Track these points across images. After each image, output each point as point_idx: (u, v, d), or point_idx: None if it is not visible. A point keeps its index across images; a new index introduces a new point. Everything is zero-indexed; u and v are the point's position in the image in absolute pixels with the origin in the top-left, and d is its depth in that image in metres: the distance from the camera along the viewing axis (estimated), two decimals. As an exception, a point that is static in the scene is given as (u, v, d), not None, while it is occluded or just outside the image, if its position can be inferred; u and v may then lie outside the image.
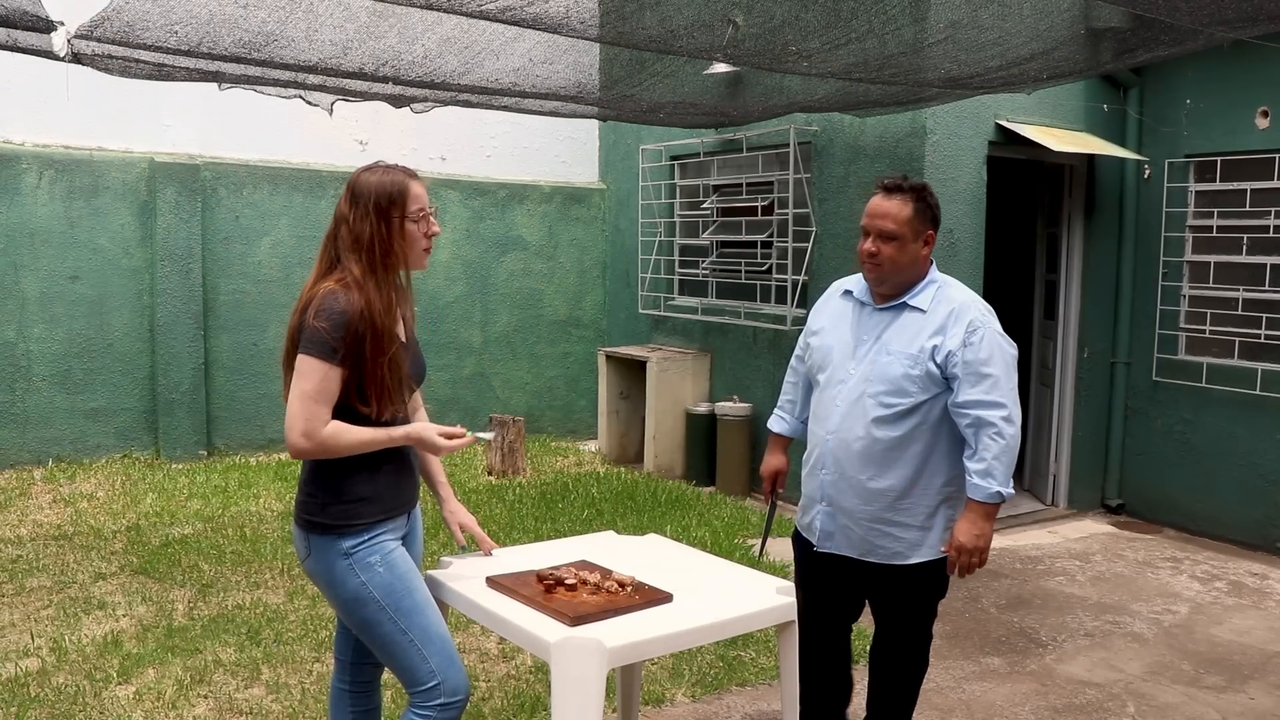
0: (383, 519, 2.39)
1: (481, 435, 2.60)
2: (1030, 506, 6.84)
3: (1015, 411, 2.78)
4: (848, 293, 3.04)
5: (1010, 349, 2.84)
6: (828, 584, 2.99)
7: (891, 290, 2.89)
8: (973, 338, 2.77)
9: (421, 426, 2.40)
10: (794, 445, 3.29)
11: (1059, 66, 4.43)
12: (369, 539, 2.35)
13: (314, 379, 2.26)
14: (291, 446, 2.29)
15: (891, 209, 2.82)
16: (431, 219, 2.44)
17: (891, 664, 3.10)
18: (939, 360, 2.78)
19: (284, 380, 2.40)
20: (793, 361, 3.28)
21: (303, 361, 2.27)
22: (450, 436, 2.39)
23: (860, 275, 2.98)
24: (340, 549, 2.33)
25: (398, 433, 2.37)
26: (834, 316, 3.04)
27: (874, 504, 2.88)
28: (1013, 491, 2.82)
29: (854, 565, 2.96)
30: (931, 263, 2.93)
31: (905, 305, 2.88)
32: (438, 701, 2.32)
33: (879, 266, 2.84)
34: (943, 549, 2.87)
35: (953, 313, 2.82)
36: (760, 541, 3.46)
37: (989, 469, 2.74)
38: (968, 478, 2.79)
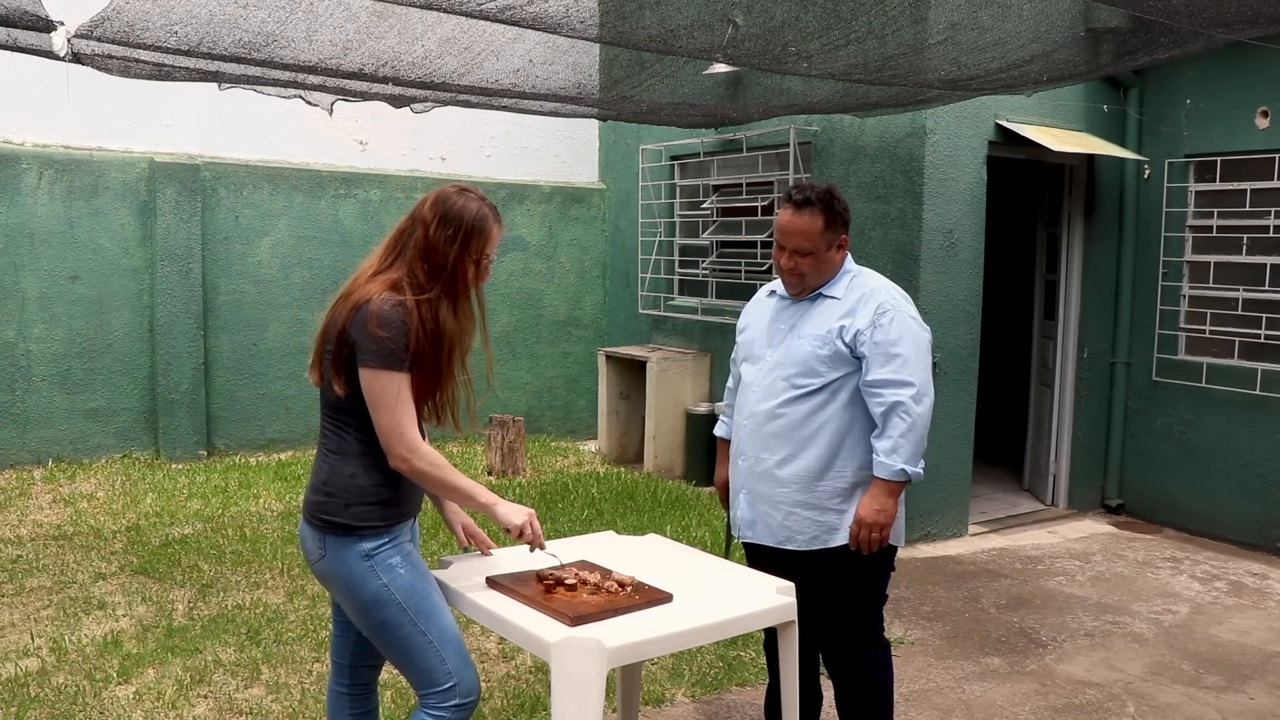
0: (399, 521, 2.41)
1: (550, 556, 2.61)
2: (1030, 506, 6.85)
3: (925, 391, 2.85)
4: (772, 291, 3.15)
5: (924, 332, 2.94)
6: None
7: (811, 291, 3.01)
8: (882, 319, 2.86)
9: (512, 508, 2.45)
10: None
11: (1059, 69, 4.43)
12: (389, 541, 2.36)
13: (391, 391, 2.27)
14: (392, 459, 2.31)
15: (804, 226, 2.91)
16: (489, 270, 2.47)
17: (844, 672, 3.07)
18: (847, 340, 2.87)
19: (315, 361, 2.39)
20: (731, 367, 3.32)
21: (376, 377, 2.27)
22: (535, 530, 2.48)
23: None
24: (361, 550, 2.33)
25: (500, 502, 2.43)
26: (758, 313, 3.16)
27: (789, 486, 2.93)
28: (921, 472, 2.87)
29: (777, 556, 2.98)
30: (846, 256, 3.03)
31: (821, 295, 2.99)
32: (453, 702, 2.34)
33: (800, 278, 2.96)
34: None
35: (863, 296, 2.93)
36: (725, 551, 3.43)
37: (895, 446, 2.82)
38: (875, 456, 2.86)
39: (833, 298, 2.96)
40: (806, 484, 2.91)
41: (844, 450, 2.91)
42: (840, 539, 2.92)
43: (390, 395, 2.27)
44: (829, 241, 2.93)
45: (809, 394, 2.90)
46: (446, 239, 2.35)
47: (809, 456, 2.91)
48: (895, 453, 2.81)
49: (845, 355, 2.87)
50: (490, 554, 2.75)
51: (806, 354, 2.90)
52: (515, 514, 2.44)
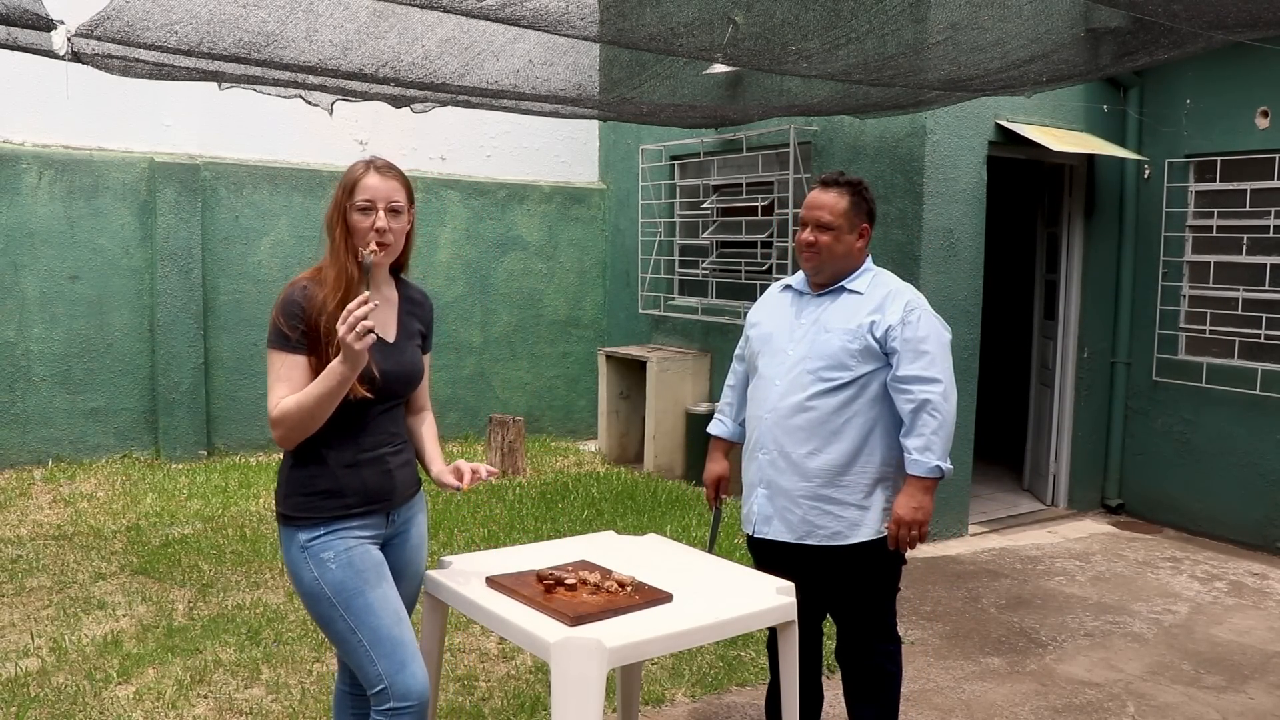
0: (342, 515, 2.35)
1: (365, 258, 2.31)
2: (1030, 506, 6.85)
3: (951, 389, 2.88)
4: (787, 287, 3.15)
5: (946, 332, 2.96)
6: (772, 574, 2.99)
7: (828, 279, 3.01)
8: (910, 316, 2.89)
9: (339, 353, 2.19)
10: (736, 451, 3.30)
11: (1059, 69, 4.43)
12: (325, 533, 2.34)
13: (274, 369, 2.31)
14: (275, 438, 2.34)
15: (828, 201, 2.95)
16: (380, 216, 2.33)
17: (855, 663, 3.08)
18: (878, 335, 2.88)
19: None
20: (733, 364, 3.32)
21: (267, 355, 2.34)
22: (345, 318, 2.14)
23: (801, 273, 3.10)
24: (298, 541, 2.34)
25: (333, 363, 2.21)
26: (773, 308, 3.15)
27: (813, 481, 2.92)
28: (951, 467, 2.90)
29: (794, 552, 2.98)
30: (868, 255, 3.05)
31: (843, 289, 2.99)
32: (387, 705, 2.30)
33: (816, 255, 2.96)
34: (883, 526, 2.92)
35: (889, 294, 2.95)
36: (708, 549, 3.43)
37: (928, 444, 2.83)
38: (906, 455, 2.87)
39: (855, 292, 2.96)
40: (830, 478, 2.92)
41: (868, 446, 2.92)
42: (860, 535, 2.92)
43: (270, 372, 2.32)
44: (851, 223, 2.94)
45: (838, 388, 2.90)
46: (332, 203, 2.40)
47: (835, 450, 2.91)
48: (929, 450, 2.83)
49: (875, 350, 2.88)
50: (495, 473, 2.65)
51: (836, 348, 2.90)
52: (346, 352, 2.16)
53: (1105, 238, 6.63)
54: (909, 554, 3.04)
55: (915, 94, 4.85)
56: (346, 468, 2.36)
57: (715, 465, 3.32)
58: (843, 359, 2.90)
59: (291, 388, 2.28)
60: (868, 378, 2.90)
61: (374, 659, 2.31)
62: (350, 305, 2.15)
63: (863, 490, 2.93)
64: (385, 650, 2.31)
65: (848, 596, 3.02)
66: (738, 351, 3.30)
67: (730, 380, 3.31)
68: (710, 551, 3.25)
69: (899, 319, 2.87)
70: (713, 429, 3.34)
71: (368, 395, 2.33)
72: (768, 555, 3.07)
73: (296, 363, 2.30)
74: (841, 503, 2.92)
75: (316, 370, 2.29)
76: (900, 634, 3.14)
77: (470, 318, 8.50)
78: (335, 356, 2.23)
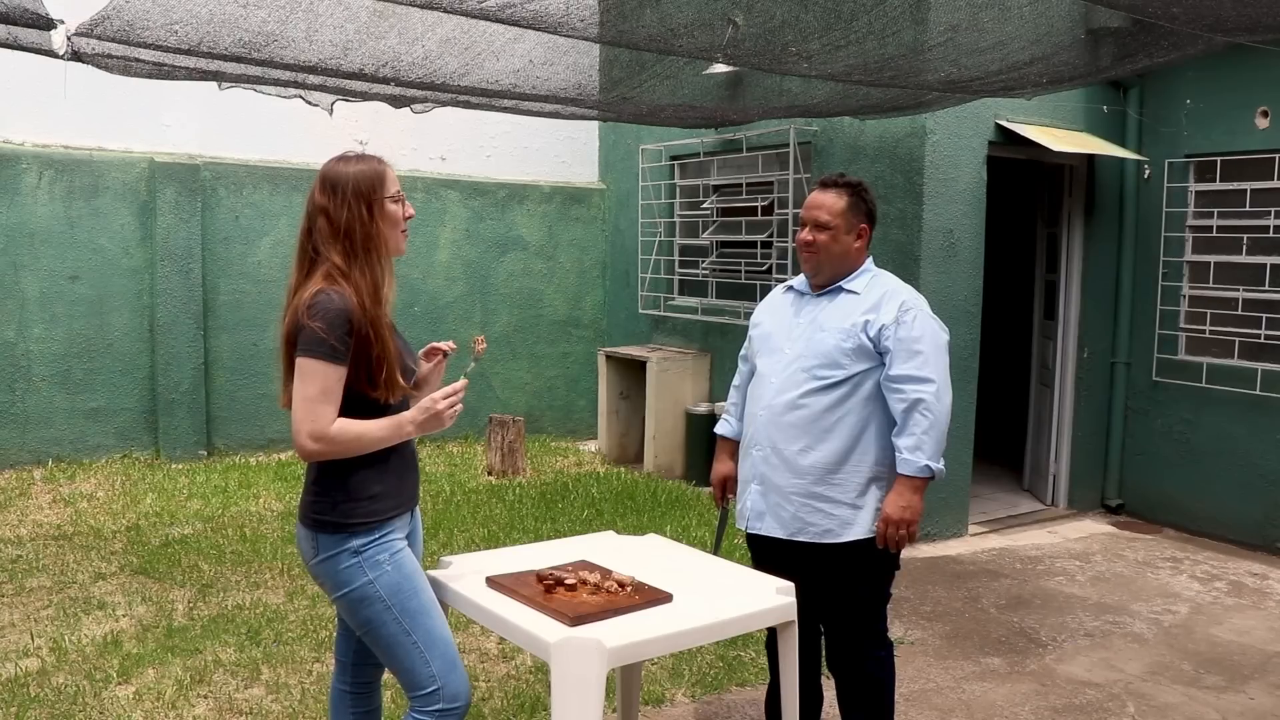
0: (392, 516, 2.38)
1: (471, 367, 2.56)
2: (1030, 506, 6.85)
3: (944, 389, 2.88)
4: (790, 288, 3.18)
5: (943, 333, 2.96)
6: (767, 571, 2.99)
7: (827, 280, 3.03)
8: (905, 316, 2.90)
9: (420, 410, 2.33)
10: None
11: (1059, 71, 4.43)
12: (379, 537, 2.35)
13: (317, 381, 2.23)
14: (300, 450, 2.26)
15: (827, 201, 2.98)
16: (407, 202, 2.46)
17: (846, 671, 3.08)
18: (871, 334, 2.90)
19: (283, 384, 2.38)
20: (739, 364, 3.34)
21: (304, 364, 2.24)
22: (450, 396, 2.34)
23: (804, 275, 3.12)
24: (351, 547, 2.32)
25: (406, 418, 2.33)
26: (774, 308, 3.19)
27: (805, 478, 2.93)
28: (943, 469, 2.90)
29: (786, 548, 2.99)
30: (868, 256, 3.07)
31: (841, 289, 3.02)
32: (436, 706, 2.31)
33: (814, 254, 2.99)
34: (875, 526, 2.92)
35: (886, 294, 2.96)
36: (713, 549, 3.44)
37: (918, 443, 2.84)
38: (897, 454, 2.87)
39: (853, 293, 2.98)
40: (821, 476, 2.92)
41: (861, 445, 2.93)
42: (852, 534, 2.93)
43: (310, 383, 2.23)
44: (849, 224, 2.97)
45: (831, 386, 2.91)
46: (348, 205, 2.33)
47: (826, 449, 2.92)
48: (919, 449, 2.83)
49: (868, 349, 2.90)
50: (483, 345, 2.79)
51: (830, 346, 2.92)
52: (432, 419, 2.33)
53: (1105, 238, 6.63)
54: (905, 555, 3.05)
55: (915, 95, 4.85)
56: (391, 469, 2.38)
57: (722, 466, 3.32)
58: (836, 357, 2.91)
59: (336, 403, 2.26)
60: (861, 377, 2.91)
61: (428, 660, 2.32)
62: (456, 387, 2.35)
63: (855, 489, 2.93)
64: (440, 650, 2.34)
65: (838, 597, 3.02)
66: (742, 353, 3.32)
67: (736, 381, 3.33)
68: (715, 552, 3.26)
69: (893, 318, 2.88)
70: (719, 429, 3.36)
71: (412, 391, 2.44)
72: (763, 551, 3.08)
73: (341, 375, 2.26)
74: (833, 501, 2.93)
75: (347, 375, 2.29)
76: (898, 635, 3.14)
77: (470, 318, 8.49)
78: (370, 356, 2.27)
